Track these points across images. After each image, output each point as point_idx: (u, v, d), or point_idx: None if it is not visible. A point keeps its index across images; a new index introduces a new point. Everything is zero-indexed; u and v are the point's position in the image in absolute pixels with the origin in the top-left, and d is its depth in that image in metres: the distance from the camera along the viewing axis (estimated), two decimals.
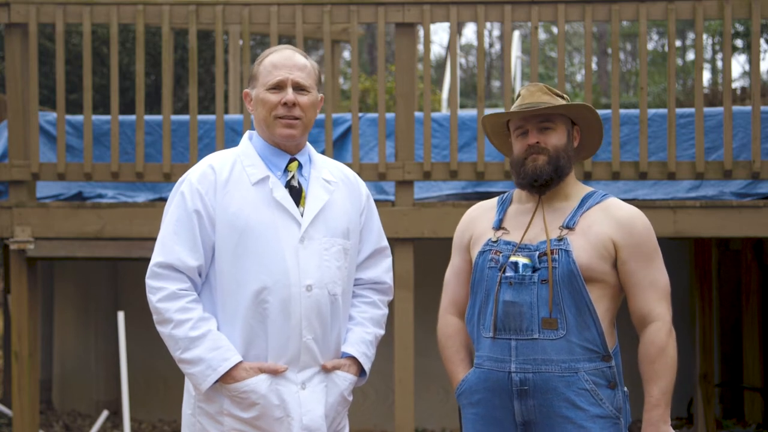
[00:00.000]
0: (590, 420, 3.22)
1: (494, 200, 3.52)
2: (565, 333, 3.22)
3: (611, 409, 3.25)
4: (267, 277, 3.22)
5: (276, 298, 3.22)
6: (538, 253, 3.26)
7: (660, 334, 3.25)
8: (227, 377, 3.19)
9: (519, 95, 3.44)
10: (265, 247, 3.23)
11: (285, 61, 3.31)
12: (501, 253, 3.31)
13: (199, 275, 3.27)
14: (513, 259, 3.28)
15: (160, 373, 8.44)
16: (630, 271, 3.27)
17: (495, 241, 3.35)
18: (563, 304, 3.22)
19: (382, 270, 3.50)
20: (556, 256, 3.24)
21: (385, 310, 3.50)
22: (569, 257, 3.23)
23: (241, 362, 3.21)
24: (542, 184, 3.32)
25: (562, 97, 3.38)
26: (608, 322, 3.28)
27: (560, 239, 3.27)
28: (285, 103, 3.28)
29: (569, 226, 3.29)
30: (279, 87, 3.29)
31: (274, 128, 3.31)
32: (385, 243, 3.53)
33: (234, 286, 3.24)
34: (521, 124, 3.37)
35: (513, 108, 3.40)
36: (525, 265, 3.26)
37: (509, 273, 3.27)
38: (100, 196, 6.85)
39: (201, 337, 3.19)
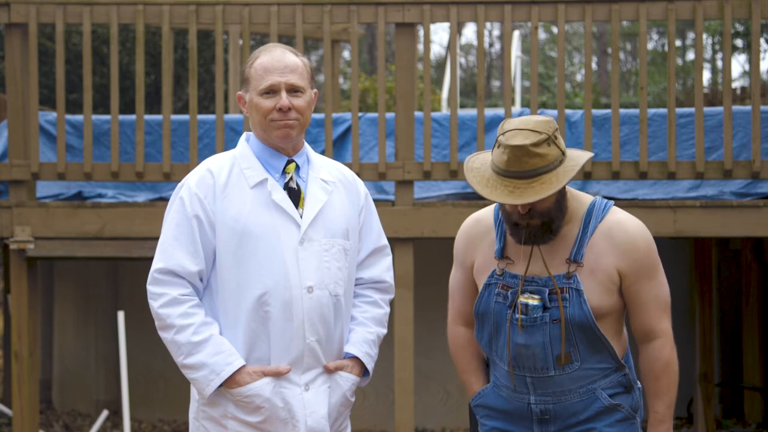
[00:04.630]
0: (609, 426, 3.23)
1: (491, 216, 3.35)
2: (580, 364, 3.20)
3: (629, 410, 3.26)
4: (267, 280, 3.21)
5: (277, 301, 3.22)
6: (547, 291, 3.18)
7: (665, 351, 3.24)
8: (230, 382, 3.19)
9: (499, 144, 3.10)
10: (265, 250, 3.23)
11: (276, 63, 3.27)
12: (509, 288, 3.22)
13: (200, 280, 3.26)
14: (522, 300, 3.19)
15: (160, 373, 8.44)
16: (634, 292, 3.22)
17: (500, 274, 3.25)
18: (575, 339, 3.19)
19: (383, 269, 3.49)
20: (567, 294, 3.17)
21: (387, 309, 3.49)
22: (581, 297, 3.16)
23: (244, 366, 3.20)
24: (539, 242, 3.19)
25: (547, 138, 3.07)
26: (618, 337, 3.26)
27: (569, 276, 3.18)
28: (280, 109, 3.26)
29: (577, 260, 3.19)
30: (272, 91, 3.27)
31: (270, 132, 3.30)
32: (385, 242, 3.52)
33: (235, 290, 3.23)
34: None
35: (495, 165, 3.12)
36: (535, 307, 3.18)
37: (519, 315, 3.19)
38: (100, 195, 6.85)
39: (203, 342, 3.19)
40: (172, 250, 3.23)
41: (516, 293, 3.20)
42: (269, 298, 3.21)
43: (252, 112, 3.32)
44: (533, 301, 3.19)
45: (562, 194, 3.19)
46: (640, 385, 3.32)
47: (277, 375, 3.22)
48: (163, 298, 3.21)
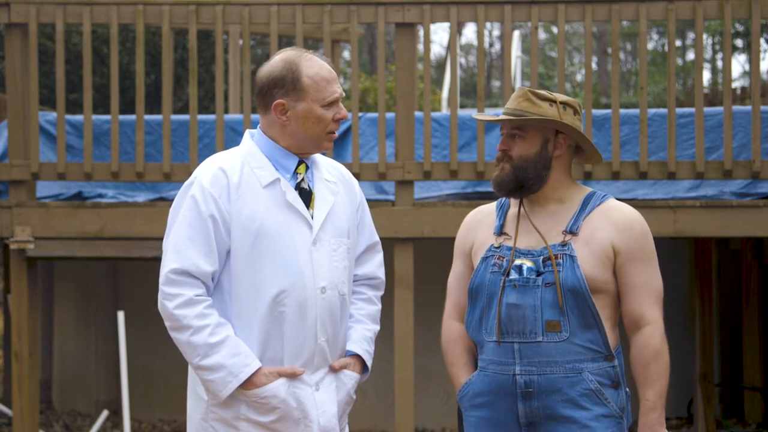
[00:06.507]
0: (594, 419, 3.23)
1: (494, 204, 3.50)
2: (568, 335, 3.23)
3: (615, 408, 3.26)
4: (284, 280, 3.21)
5: (293, 301, 3.22)
6: (542, 257, 3.26)
7: (655, 338, 3.26)
8: (248, 383, 3.18)
9: None
10: (281, 250, 3.22)
11: (331, 74, 3.29)
12: (504, 258, 3.31)
13: (212, 280, 3.25)
14: (518, 262, 3.28)
15: (160, 373, 8.44)
16: (626, 273, 3.27)
17: (498, 247, 3.34)
18: (566, 306, 3.22)
19: (375, 265, 3.52)
20: (561, 260, 3.24)
21: (380, 306, 3.52)
22: (574, 263, 3.23)
23: (260, 368, 3.20)
24: (508, 193, 3.34)
25: (553, 101, 3.31)
26: (611, 323, 3.29)
27: (564, 244, 3.26)
28: (339, 119, 3.29)
29: (572, 231, 3.28)
30: (334, 103, 3.29)
31: (322, 142, 3.31)
32: (377, 238, 3.55)
33: (250, 290, 3.22)
34: (501, 127, 3.39)
35: (502, 112, 3.41)
36: (529, 269, 3.26)
37: (513, 276, 3.27)
38: (100, 195, 6.85)
39: (220, 343, 3.17)
40: (187, 250, 3.19)
41: (511, 261, 3.29)
42: (285, 299, 3.21)
43: (306, 122, 3.27)
44: (528, 263, 3.27)
45: (543, 152, 3.32)
46: (628, 391, 3.33)
47: (293, 376, 3.23)
48: (179, 298, 3.18)
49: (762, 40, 19.28)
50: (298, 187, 3.32)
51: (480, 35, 6.41)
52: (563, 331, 3.22)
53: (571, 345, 3.23)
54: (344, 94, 3.35)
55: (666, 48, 25.30)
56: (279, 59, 3.30)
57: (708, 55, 21.99)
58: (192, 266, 3.19)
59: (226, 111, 10.49)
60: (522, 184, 3.31)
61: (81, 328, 8.71)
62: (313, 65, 3.28)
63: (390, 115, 6.72)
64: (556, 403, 3.23)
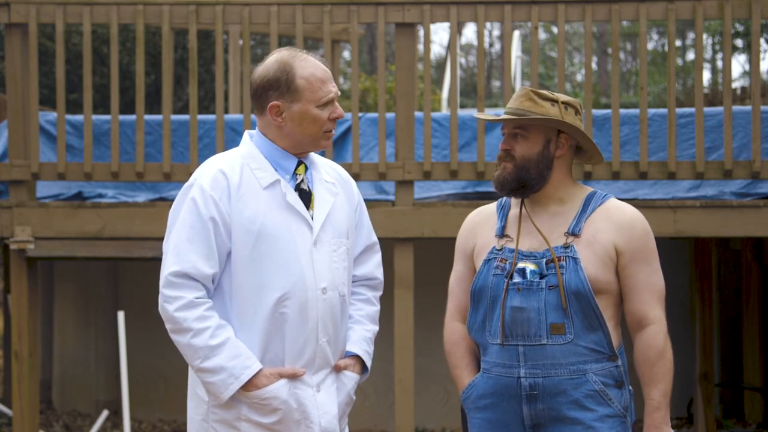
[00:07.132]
0: (599, 420, 3.23)
1: (494, 205, 3.50)
2: (572, 337, 3.23)
3: (619, 408, 3.27)
4: (285, 282, 3.21)
5: (294, 303, 3.22)
6: (545, 260, 3.26)
7: (659, 337, 3.27)
8: (249, 385, 3.18)
9: None
10: (282, 252, 3.22)
11: (326, 74, 3.28)
12: (507, 260, 3.30)
13: (212, 282, 3.24)
14: (521, 265, 3.28)
15: (160, 373, 8.44)
16: (628, 273, 3.28)
17: (500, 249, 3.34)
18: (570, 309, 3.23)
19: (374, 265, 3.52)
20: (564, 262, 3.24)
21: (379, 306, 3.53)
22: (577, 265, 3.23)
23: (261, 369, 3.20)
24: (509, 192, 3.34)
25: (555, 101, 3.31)
26: (614, 323, 3.30)
27: (566, 246, 3.26)
28: (335, 119, 3.28)
29: (575, 233, 3.28)
30: (329, 102, 3.28)
31: (319, 141, 3.31)
32: (375, 239, 3.55)
33: (252, 292, 3.22)
34: (503, 126, 3.39)
35: (504, 111, 3.41)
36: (533, 272, 3.26)
37: (517, 279, 3.27)
38: (100, 195, 6.85)
39: (220, 345, 3.17)
40: (187, 253, 3.19)
41: (514, 263, 3.28)
42: (287, 300, 3.21)
43: (303, 123, 3.27)
44: (531, 266, 3.27)
45: (545, 152, 3.32)
46: (631, 389, 3.34)
47: (294, 377, 3.23)
48: (179, 301, 3.18)
49: (762, 40, 19.28)
50: (298, 188, 3.31)
51: (480, 35, 6.41)
52: (567, 333, 3.23)
53: (575, 347, 3.23)
54: (339, 93, 3.33)
55: (666, 48, 25.29)
56: (273, 60, 3.29)
57: (708, 55, 21.98)
58: (192, 269, 3.19)
59: (226, 111, 10.49)
60: (524, 184, 3.31)
61: (81, 328, 8.71)
62: (307, 66, 3.27)
63: (390, 115, 6.72)
64: (561, 405, 3.23)
